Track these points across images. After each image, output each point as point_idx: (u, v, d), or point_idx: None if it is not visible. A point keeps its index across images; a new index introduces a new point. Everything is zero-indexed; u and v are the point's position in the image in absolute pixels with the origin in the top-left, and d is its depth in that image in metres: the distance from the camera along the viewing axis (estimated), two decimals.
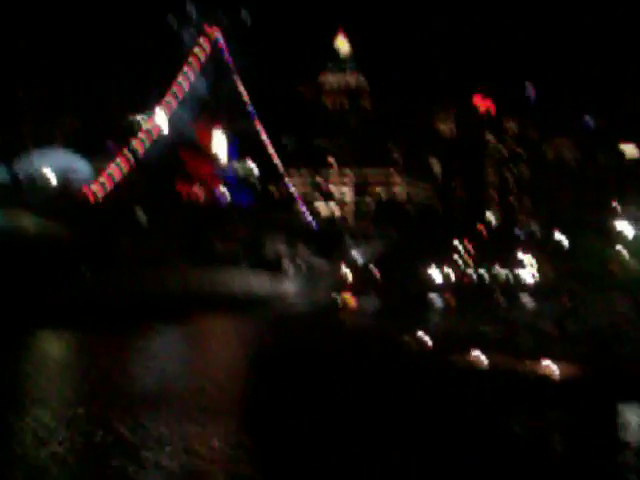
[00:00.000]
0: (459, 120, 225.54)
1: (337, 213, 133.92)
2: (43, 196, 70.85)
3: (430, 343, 40.63)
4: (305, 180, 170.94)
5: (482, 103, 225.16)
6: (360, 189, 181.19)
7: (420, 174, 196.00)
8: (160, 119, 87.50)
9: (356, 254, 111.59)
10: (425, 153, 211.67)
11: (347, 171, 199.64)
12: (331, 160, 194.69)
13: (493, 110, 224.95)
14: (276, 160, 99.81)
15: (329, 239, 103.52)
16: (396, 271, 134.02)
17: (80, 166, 76.98)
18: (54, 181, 72.80)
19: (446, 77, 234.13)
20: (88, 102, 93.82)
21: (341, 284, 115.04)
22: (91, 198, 76.08)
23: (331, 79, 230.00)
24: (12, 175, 70.98)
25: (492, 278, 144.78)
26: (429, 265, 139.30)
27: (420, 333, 41.72)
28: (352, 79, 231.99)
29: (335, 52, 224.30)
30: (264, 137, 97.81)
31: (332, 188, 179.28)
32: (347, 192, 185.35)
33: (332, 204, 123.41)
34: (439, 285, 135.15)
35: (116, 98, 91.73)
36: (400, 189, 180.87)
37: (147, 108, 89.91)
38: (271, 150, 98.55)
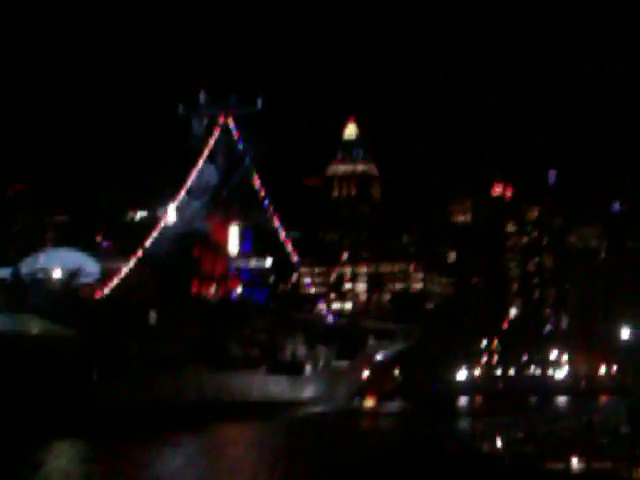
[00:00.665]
0: (477, 210, 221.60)
1: (352, 309, 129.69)
2: (49, 297, 66.67)
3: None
4: (317, 276, 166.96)
5: (501, 191, 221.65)
6: (375, 284, 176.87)
7: (437, 267, 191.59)
8: (173, 215, 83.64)
9: (379, 354, 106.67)
10: (441, 245, 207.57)
11: (361, 266, 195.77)
12: (344, 255, 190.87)
13: (510, 197, 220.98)
14: (294, 257, 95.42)
15: (350, 339, 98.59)
16: (420, 372, 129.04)
17: (89, 266, 72.89)
18: (59, 281, 68.54)
19: (462, 166, 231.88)
20: (91, 197, 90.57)
21: (363, 387, 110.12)
22: (100, 299, 71.74)
23: (341, 169, 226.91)
24: (14, 274, 66.89)
25: (523, 380, 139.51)
26: (455, 365, 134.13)
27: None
28: (362, 168, 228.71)
29: (345, 141, 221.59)
30: (281, 233, 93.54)
31: (346, 284, 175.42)
32: (362, 287, 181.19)
33: (348, 301, 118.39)
34: (467, 387, 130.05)
35: (124, 192, 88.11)
36: (418, 284, 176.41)
37: (159, 203, 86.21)
38: (289, 246, 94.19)
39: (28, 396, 63.13)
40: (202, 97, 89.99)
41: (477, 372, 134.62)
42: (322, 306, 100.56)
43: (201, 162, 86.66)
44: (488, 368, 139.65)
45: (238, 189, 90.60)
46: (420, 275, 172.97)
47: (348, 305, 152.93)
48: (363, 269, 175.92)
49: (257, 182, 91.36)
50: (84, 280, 71.14)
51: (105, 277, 74.68)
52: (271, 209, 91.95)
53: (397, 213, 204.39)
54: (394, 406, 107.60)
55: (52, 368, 64.27)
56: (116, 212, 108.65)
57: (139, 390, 72.57)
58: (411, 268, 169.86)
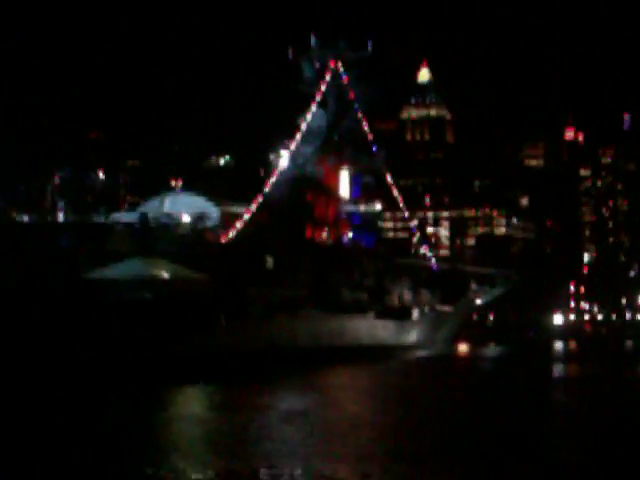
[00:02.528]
0: (549, 154, 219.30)
1: (451, 254, 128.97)
2: (178, 242, 66.99)
3: None
4: (398, 220, 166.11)
5: (573, 136, 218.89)
6: (458, 229, 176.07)
7: (514, 212, 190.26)
8: (286, 159, 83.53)
9: (478, 299, 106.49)
10: (514, 189, 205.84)
11: (443, 211, 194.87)
12: (427, 201, 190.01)
13: (583, 141, 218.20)
14: (401, 202, 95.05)
15: (452, 283, 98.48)
16: (517, 316, 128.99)
17: (209, 210, 73.11)
18: (188, 226, 68.87)
19: (535, 110, 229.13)
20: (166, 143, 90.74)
21: (460, 331, 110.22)
22: (224, 243, 72.03)
23: (414, 113, 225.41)
24: (142, 219, 67.18)
25: (623, 323, 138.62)
26: (548, 310, 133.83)
27: None
28: (436, 112, 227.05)
29: (418, 85, 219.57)
30: (389, 177, 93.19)
31: (429, 229, 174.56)
32: (443, 232, 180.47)
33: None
34: (562, 332, 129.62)
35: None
36: (501, 228, 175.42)
37: (271, 147, 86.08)
38: (395, 191, 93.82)
39: (159, 340, 63.70)
40: (312, 41, 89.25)
41: (572, 317, 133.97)
42: (427, 251, 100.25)
43: (313, 106, 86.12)
44: (579, 313, 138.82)
45: (348, 133, 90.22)
46: (503, 220, 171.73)
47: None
48: (445, 214, 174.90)
49: (366, 126, 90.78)
50: (207, 224, 71.38)
51: (225, 221, 74.85)
52: (380, 153, 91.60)
53: (471, 158, 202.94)
54: (490, 351, 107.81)
55: (182, 312, 64.73)
56: (196, 157, 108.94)
57: (259, 334, 73.25)
58: (494, 213, 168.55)
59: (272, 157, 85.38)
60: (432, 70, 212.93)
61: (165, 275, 64.59)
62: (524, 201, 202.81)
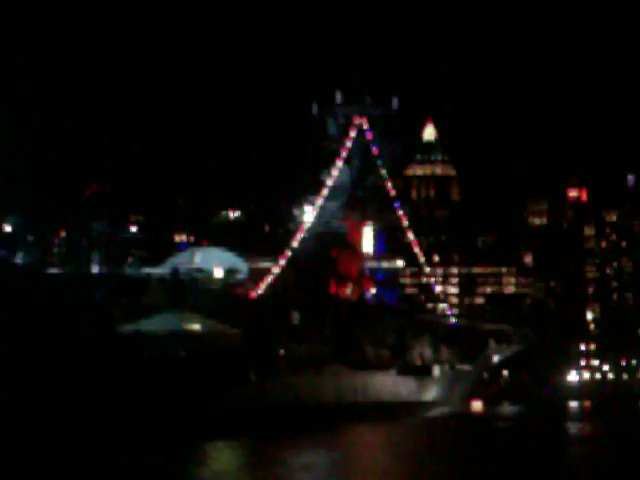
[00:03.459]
0: (553, 212, 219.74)
1: (469, 311, 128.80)
2: (210, 296, 67.00)
3: None
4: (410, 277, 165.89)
5: (576, 195, 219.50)
6: (467, 286, 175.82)
7: (522, 270, 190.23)
8: (311, 215, 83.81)
9: (495, 357, 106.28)
10: (518, 247, 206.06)
11: (452, 268, 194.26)
12: (436, 258, 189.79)
13: (586, 200, 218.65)
14: (421, 259, 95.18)
15: (471, 341, 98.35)
16: (530, 374, 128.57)
17: (238, 265, 73.24)
18: (220, 281, 68.92)
19: (538, 169, 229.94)
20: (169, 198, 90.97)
21: (473, 389, 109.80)
22: (254, 299, 72.05)
23: (419, 170, 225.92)
24: (173, 273, 67.22)
25: (634, 382, 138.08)
26: (560, 368, 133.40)
27: None
28: (441, 170, 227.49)
29: (423, 143, 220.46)
30: (410, 235, 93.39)
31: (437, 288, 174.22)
32: (452, 290, 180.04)
33: (443, 304, 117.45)
34: (576, 391, 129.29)
35: (263, 193, 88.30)
36: (511, 287, 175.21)
37: (295, 203, 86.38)
38: (416, 249, 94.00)
39: (191, 396, 63.43)
40: (338, 97, 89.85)
41: (585, 375, 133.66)
42: (447, 308, 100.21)
43: (338, 162, 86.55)
44: (592, 371, 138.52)
45: (372, 190, 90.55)
46: (512, 278, 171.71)
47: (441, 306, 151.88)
48: (454, 271, 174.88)
49: (389, 183, 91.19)
50: (237, 279, 71.48)
51: (253, 276, 74.95)
52: (401, 210, 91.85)
53: (475, 216, 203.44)
54: (505, 409, 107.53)
55: (215, 367, 64.52)
56: (202, 212, 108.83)
57: (286, 390, 73.01)
58: (504, 270, 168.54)
59: (296, 212, 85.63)
60: (437, 128, 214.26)
61: (198, 330, 64.43)
62: (528, 259, 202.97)
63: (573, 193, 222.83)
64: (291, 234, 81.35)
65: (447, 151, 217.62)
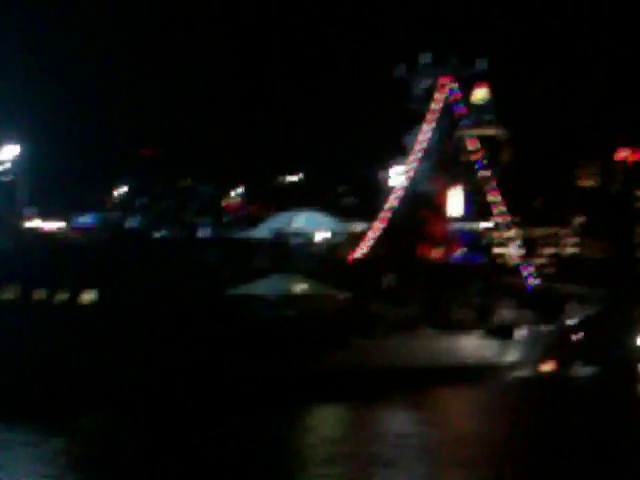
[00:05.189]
0: (604, 174, 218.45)
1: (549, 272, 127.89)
2: (312, 259, 67.39)
3: None
4: None
5: (626, 155, 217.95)
6: (528, 248, 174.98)
7: (576, 231, 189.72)
8: (400, 178, 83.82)
9: (571, 318, 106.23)
10: (570, 209, 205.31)
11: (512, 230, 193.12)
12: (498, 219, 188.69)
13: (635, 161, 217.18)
14: (501, 220, 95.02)
15: (550, 302, 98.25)
16: (604, 336, 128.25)
17: (336, 228, 73.57)
18: (323, 243, 69.34)
19: (588, 129, 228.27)
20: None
21: (549, 350, 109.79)
22: (353, 260, 72.43)
23: (470, 132, 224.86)
24: (277, 236, 67.64)
25: None
26: (635, 331, 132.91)
27: None
28: (491, 131, 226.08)
29: (475, 104, 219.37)
30: (493, 196, 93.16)
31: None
32: (512, 252, 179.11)
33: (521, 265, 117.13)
34: None
35: (349, 154, 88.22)
36: (570, 248, 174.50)
37: (383, 164, 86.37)
38: (498, 210, 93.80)
39: (297, 357, 64.09)
40: (423, 58, 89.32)
41: None
42: (528, 270, 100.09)
43: (425, 124, 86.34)
44: None
45: (459, 151, 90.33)
46: (572, 239, 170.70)
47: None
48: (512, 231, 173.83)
49: (475, 144, 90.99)
50: (336, 242, 71.88)
51: (349, 239, 75.35)
52: (486, 171, 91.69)
53: (527, 177, 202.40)
54: (581, 371, 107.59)
55: (319, 329, 65.13)
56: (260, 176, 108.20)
57: (382, 352, 73.55)
58: (563, 232, 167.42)
59: (383, 175, 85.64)
60: (489, 89, 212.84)
61: (304, 292, 64.92)
62: (580, 221, 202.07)
63: (623, 154, 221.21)
64: (380, 197, 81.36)
65: (499, 112, 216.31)
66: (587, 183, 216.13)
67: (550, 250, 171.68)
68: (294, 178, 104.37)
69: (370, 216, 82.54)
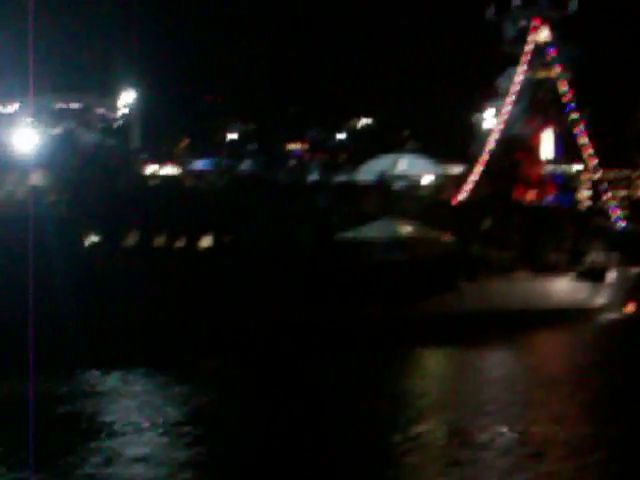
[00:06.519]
0: None
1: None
2: (417, 203, 67.20)
3: None
4: None
5: None
6: (599, 190, 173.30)
7: None
8: (494, 119, 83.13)
9: None
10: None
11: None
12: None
13: None
14: (594, 162, 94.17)
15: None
16: None
17: (436, 171, 73.20)
18: (429, 187, 69.05)
19: None
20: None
21: (630, 292, 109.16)
22: (456, 204, 72.19)
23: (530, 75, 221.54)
24: (380, 180, 67.38)
25: None
26: None
27: None
28: (555, 73, 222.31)
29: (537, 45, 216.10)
30: (584, 138, 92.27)
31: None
32: (585, 194, 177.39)
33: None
34: None
35: (440, 97, 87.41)
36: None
37: (476, 107, 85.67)
38: (591, 151, 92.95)
39: (406, 300, 64.16)
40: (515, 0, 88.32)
41: None
42: (618, 212, 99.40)
43: (518, 67, 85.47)
44: None
45: (552, 93, 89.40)
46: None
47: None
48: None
49: (566, 86, 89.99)
50: (441, 185, 71.58)
51: (448, 183, 75.01)
52: (577, 113, 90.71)
53: (592, 119, 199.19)
54: None
55: (428, 273, 65.07)
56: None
57: (483, 296, 73.57)
58: (635, 174, 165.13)
59: (476, 117, 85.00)
60: (552, 29, 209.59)
61: (413, 235, 64.79)
62: None
63: None
64: (475, 140, 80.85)
65: (561, 53, 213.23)
66: None
67: (622, 193, 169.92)
68: (367, 121, 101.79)
69: (463, 159, 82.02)
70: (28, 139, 53.95)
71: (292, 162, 72.29)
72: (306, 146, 74.56)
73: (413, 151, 76.16)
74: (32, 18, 50.95)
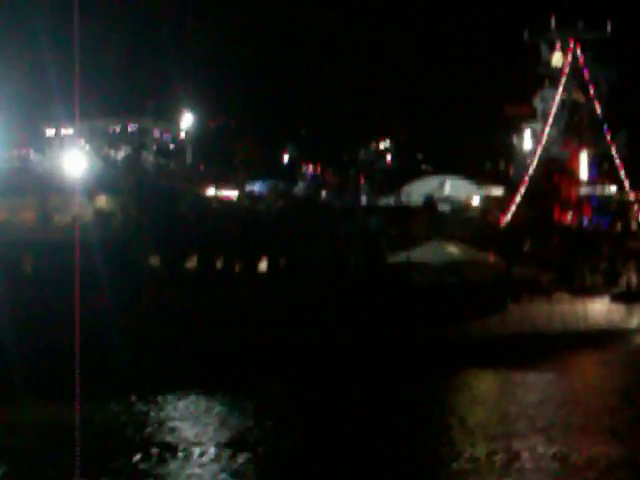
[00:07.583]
0: None
1: None
2: (465, 225, 67.58)
3: None
4: None
5: None
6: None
7: None
8: (532, 142, 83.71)
9: None
10: None
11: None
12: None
13: None
14: (628, 184, 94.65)
15: None
16: None
17: (478, 193, 73.63)
18: (479, 209, 69.47)
19: None
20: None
21: None
22: (502, 227, 72.61)
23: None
24: (428, 203, 67.77)
25: None
26: None
27: None
28: (570, 96, 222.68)
29: (552, 69, 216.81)
30: (617, 159, 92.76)
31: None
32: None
33: None
34: None
35: (478, 119, 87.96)
36: None
37: (512, 128, 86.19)
38: (625, 173, 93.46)
39: (458, 323, 64.43)
40: (552, 22, 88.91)
41: None
42: None
43: (555, 89, 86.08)
44: None
45: (589, 115, 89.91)
46: None
47: None
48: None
49: (601, 108, 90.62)
50: (489, 208, 72.04)
51: (490, 205, 75.46)
52: (610, 135, 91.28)
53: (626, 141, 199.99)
54: None
55: (478, 295, 65.39)
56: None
57: (525, 317, 73.83)
58: None
59: (514, 139, 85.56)
60: (566, 53, 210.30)
61: (464, 258, 65.06)
62: None
63: None
64: (514, 162, 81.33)
65: (575, 76, 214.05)
66: None
67: None
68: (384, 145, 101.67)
69: (501, 181, 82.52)
70: (85, 163, 54.24)
71: (331, 183, 72.67)
72: (318, 168, 74.34)
73: (456, 173, 76.48)
74: (87, 42, 51.26)
